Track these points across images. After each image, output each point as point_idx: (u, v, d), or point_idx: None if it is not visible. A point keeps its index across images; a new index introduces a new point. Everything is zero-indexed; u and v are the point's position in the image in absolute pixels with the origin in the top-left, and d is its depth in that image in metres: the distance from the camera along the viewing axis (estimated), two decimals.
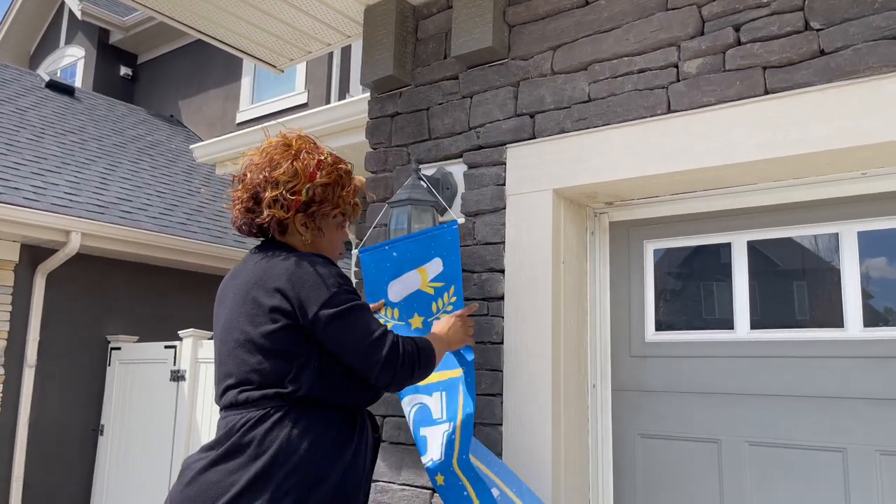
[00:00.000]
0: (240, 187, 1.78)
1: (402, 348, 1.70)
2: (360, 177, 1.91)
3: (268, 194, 1.71)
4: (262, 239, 1.82)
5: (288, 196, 1.71)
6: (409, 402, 2.42)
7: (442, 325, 2.05)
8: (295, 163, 1.73)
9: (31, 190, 5.63)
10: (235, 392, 1.64)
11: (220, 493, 1.51)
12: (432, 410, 2.35)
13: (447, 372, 2.42)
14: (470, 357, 2.38)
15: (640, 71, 2.34)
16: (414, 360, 1.72)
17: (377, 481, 2.62)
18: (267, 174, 1.73)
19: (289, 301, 1.61)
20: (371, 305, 2.42)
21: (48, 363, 5.74)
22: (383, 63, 2.87)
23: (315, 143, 1.82)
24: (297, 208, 1.72)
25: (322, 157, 1.79)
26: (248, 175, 1.76)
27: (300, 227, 1.75)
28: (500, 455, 2.41)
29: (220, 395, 1.70)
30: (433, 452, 2.28)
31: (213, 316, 1.81)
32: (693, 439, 2.36)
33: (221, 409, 1.69)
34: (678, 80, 2.27)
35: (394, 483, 2.59)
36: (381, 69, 2.87)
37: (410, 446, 2.57)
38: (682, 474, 2.36)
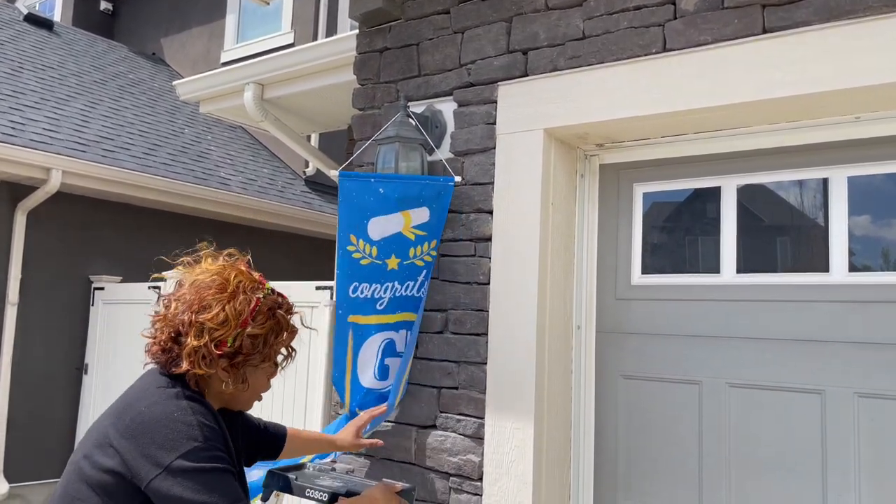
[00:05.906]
0: (161, 316, 1.55)
1: None
2: (300, 314, 1.64)
3: (190, 341, 1.47)
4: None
5: (212, 348, 1.47)
6: (380, 338, 2.60)
7: None
8: (227, 307, 1.49)
9: (10, 125, 5.49)
10: None
11: None
12: (397, 344, 2.65)
13: (407, 314, 2.63)
14: (421, 308, 2.59)
15: (637, 8, 2.28)
16: None
17: None
18: (193, 317, 1.48)
19: (124, 452, 1.38)
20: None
21: (30, 302, 5.69)
22: None
23: (254, 279, 1.57)
24: (221, 356, 1.49)
25: (260, 297, 1.53)
26: (172, 307, 1.52)
27: (222, 373, 1.51)
28: (483, 392, 2.43)
29: None
30: (391, 378, 2.62)
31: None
32: (675, 381, 2.38)
33: None
34: (675, 18, 2.21)
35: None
36: (371, 1, 2.78)
37: None
38: (663, 414, 2.39)
